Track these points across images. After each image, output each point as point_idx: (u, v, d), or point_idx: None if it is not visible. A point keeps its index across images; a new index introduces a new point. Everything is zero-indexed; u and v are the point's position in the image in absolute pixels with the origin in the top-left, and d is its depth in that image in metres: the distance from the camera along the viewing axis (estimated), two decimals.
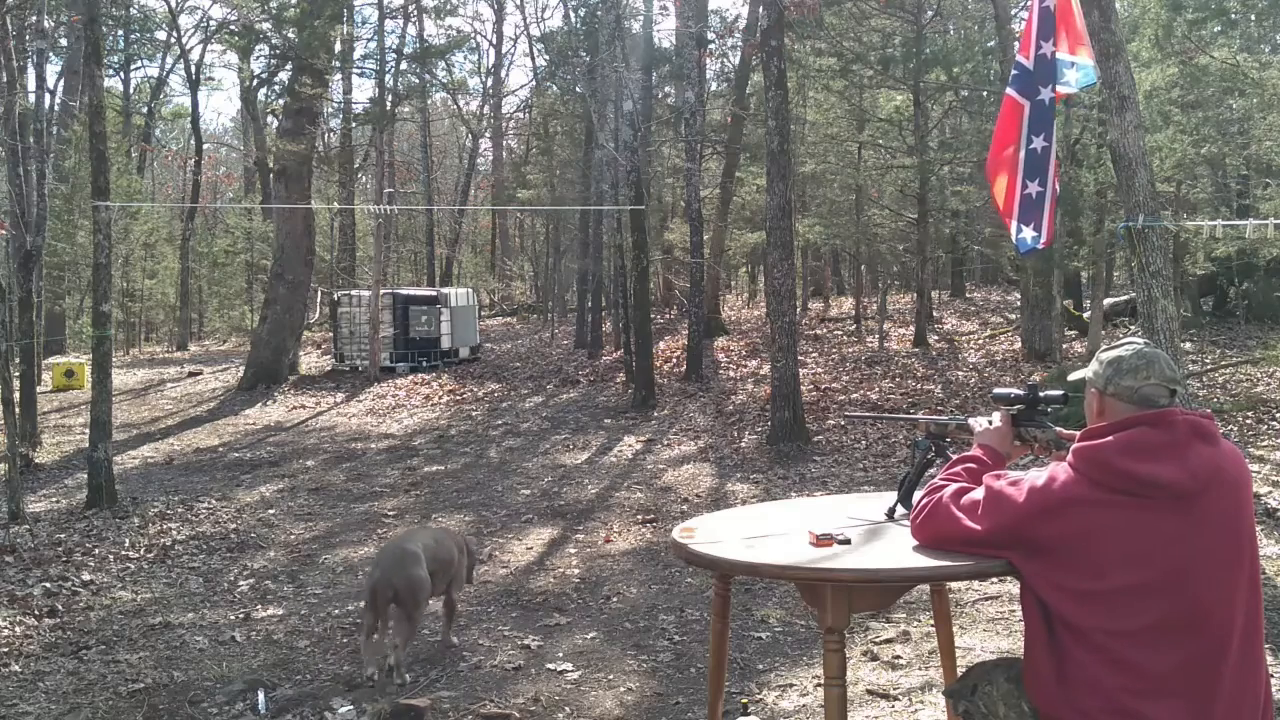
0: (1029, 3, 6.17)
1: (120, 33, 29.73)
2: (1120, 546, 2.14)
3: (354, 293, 19.03)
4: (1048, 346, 13.21)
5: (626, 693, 4.23)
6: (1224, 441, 2.25)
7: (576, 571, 6.18)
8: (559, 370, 16.68)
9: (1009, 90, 5.48)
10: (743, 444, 10.24)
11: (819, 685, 4.05)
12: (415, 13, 23.62)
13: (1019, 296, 15.98)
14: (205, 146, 34.44)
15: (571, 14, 20.46)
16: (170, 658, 4.87)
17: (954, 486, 2.45)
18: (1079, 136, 13.05)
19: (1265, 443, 8.32)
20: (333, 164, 23.28)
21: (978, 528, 2.30)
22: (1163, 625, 2.12)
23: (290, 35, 18.36)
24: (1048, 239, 5.46)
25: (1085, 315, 14.99)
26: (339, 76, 20.82)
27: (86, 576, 6.26)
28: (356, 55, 21.50)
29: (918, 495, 2.59)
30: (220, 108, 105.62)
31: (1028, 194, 5.34)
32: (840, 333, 17.69)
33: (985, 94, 15.46)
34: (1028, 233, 5.39)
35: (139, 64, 33.22)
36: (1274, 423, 8.94)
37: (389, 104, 19.70)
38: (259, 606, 5.72)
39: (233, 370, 19.10)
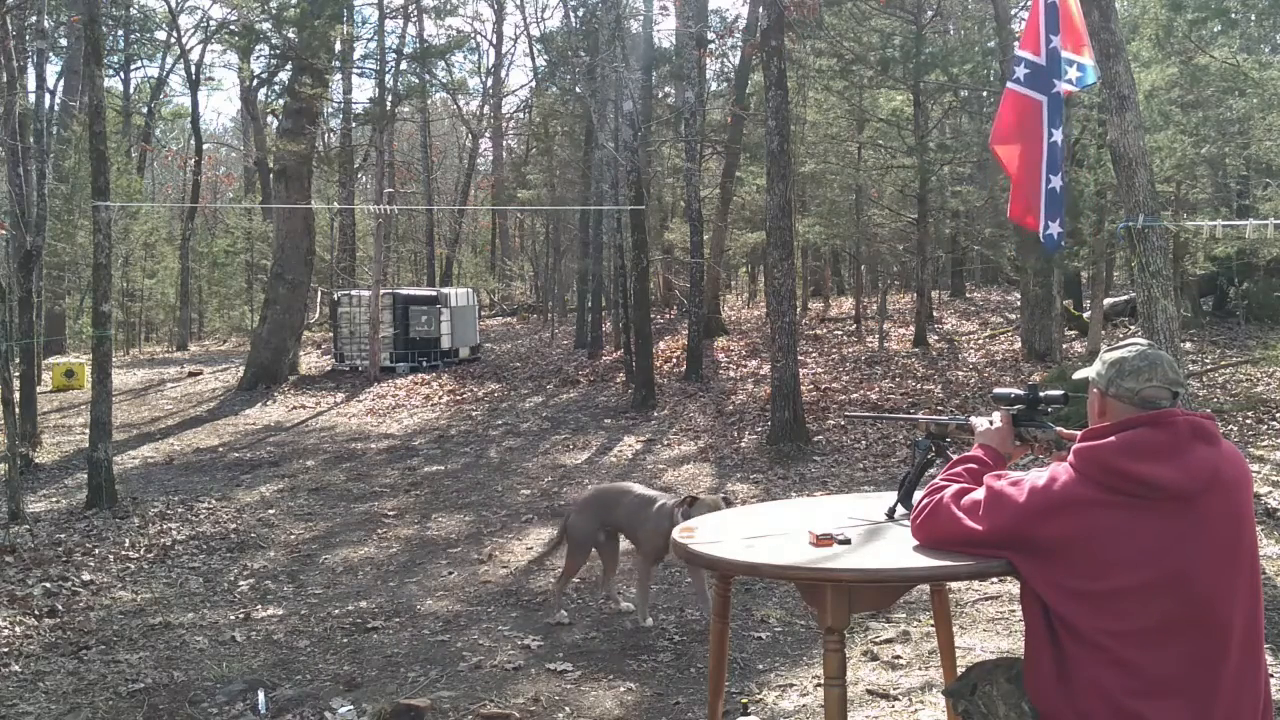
0: (1030, 1, 6.16)
1: (120, 33, 29.73)
2: (1121, 547, 2.14)
3: (354, 293, 19.02)
4: (1048, 346, 13.21)
5: (626, 693, 4.23)
6: (1224, 442, 2.26)
7: None
8: (559, 370, 16.68)
9: (1015, 86, 5.45)
10: (743, 444, 10.24)
11: (819, 685, 4.05)
12: (415, 13, 23.63)
13: (1019, 296, 15.98)
14: (205, 146, 34.43)
15: (571, 14, 20.48)
16: (170, 658, 4.87)
17: (955, 487, 2.45)
18: (1079, 136, 13.05)
19: (1265, 443, 8.32)
20: (333, 164, 23.26)
21: (979, 528, 2.30)
22: (1163, 626, 2.12)
23: (290, 35, 18.35)
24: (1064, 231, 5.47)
25: (1085, 315, 14.99)
26: (339, 76, 20.82)
27: (86, 576, 6.26)
28: (356, 55, 21.49)
29: (918, 495, 2.59)
30: (220, 108, 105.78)
31: (1051, 189, 5.31)
32: (840, 333, 17.69)
33: (985, 94, 15.48)
34: (1054, 228, 5.36)
35: (139, 64, 33.25)
36: (1274, 423, 8.94)
37: (389, 104, 19.69)
38: (259, 606, 5.72)
39: (233, 370, 19.10)
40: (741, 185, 19.75)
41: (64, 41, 23.64)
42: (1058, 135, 5.32)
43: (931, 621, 3.97)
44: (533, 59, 35.30)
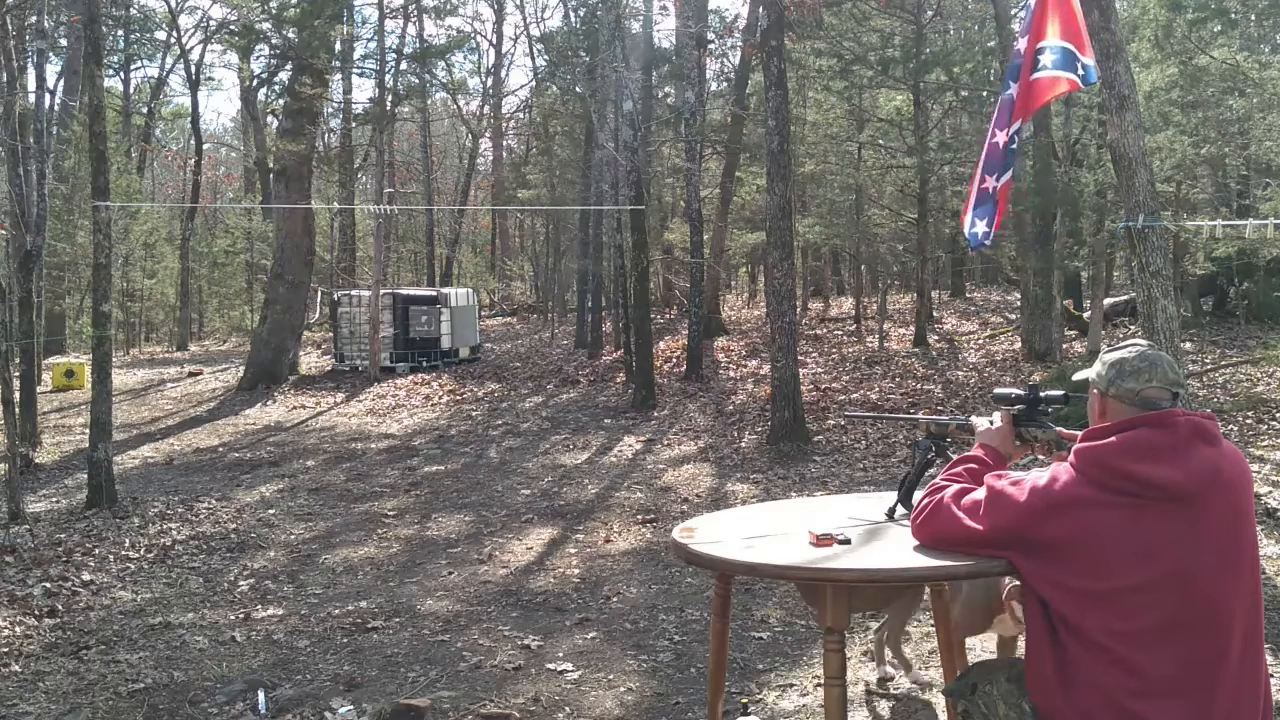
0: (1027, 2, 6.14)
1: (120, 33, 29.74)
2: (1121, 547, 2.14)
3: (354, 293, 19.03)
4: (1048, 346, 13.21)
5: (626, 693, 4.23)
6: (1225, 442, 2.26)
7: (576, 571, 6.18)
8: (559, 370, 16.68)
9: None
10: (743, 444, 10.24)
11: (819, 685, 4.05)
12: (415, 13, 23.64)
13: (1019, 296, 15.98)
14: (205, 146, 34.44)
15: (571, 14, 20.48)
16: (170, 658, 4.87)
17: (955, 487, 2.45)
18: (1079, 136, 13.05)
19: (1265, 443, 8.31)
20: (333, 164, 23.28)
21: (979, 528, 2.31)
22: (1163, 626, 2.12)
23: (290, 35, 18.36)
24: (991, 231, 5.41)
25: (1085, 315, 14.99)
26: (339, 76, 20.84)
27: (86, 576, 6.26)
28: (356, 55, 21.51)
29: (918, 495, 2.59)
30: (220, 108, 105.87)
31: (984, 188, 5.29)
32: (840, 333, 17.69)
33: (985, 94, 15.47)
34: (980, 226, 5.33)
35: (139, 64, 33.26)
36: (1274, 423, 8.94)
37: (389, 104, 19.70)
38: (259, 606, 5.71)
39: (233, 370, 19.10)
40: (741, 185, 19.75)
41: (64, 41, 23.63)
42: (1000, 137, 5.27)
43: (931, 621, 3.97)
44: (533, 59, 35.33)
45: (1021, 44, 5.31)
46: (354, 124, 22.04)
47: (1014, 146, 5.30)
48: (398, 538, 7.30)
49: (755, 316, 21.11)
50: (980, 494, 2.35)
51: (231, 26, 24.48)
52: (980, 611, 3.52)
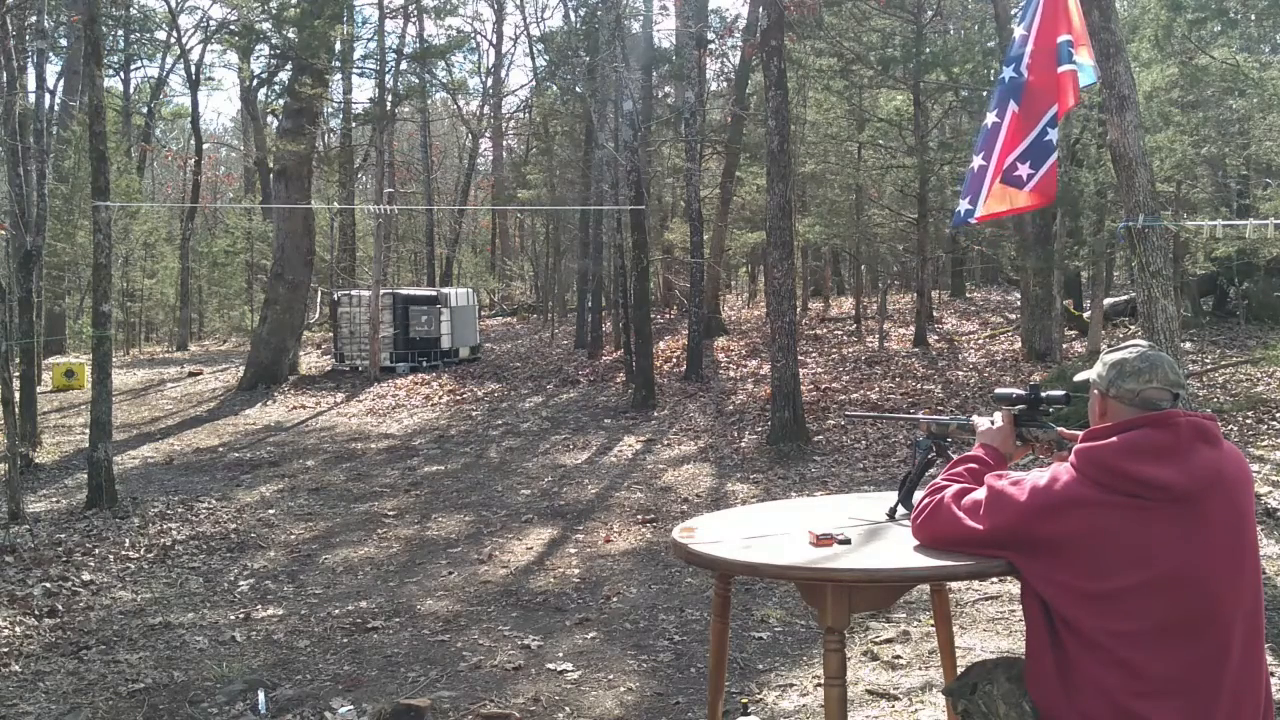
0: None
1: (120, 33, 29.73)
2: (1122, 547, 2.14)
3: (354, 293, 19.02)
4: (1048, 346, 13.21)
5: (626, 693, 4.23)
6: (1226, 443, 2.25)
7: (576, 571, 6.18)
8: (559, 370, 16.67)
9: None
10: (743, 444, 10.24)
11: (819, 685, 4.05)
12: (415, 13, 23.64)
13: (1019, 296, 15.98)
14: (205, 146, 34.41)
15: (571, 14, 20.49)
16: (170, 658, 4.87)
17: (956, 487, 2.45)
18: (1079, 136, 13.05)
19: (1265, 443, 8.31)
20: (333, 164, 23.28)
21: (979, 527, 2.30)
22: (1164, 626, 2.12)
23: (290, 35, 18.36)
24: (981, 216, 5.44)
25: (1085, 315, 14.99)
26: (339, 76, 20.85)
27: (86, 576, 6.26)
28: (356, 55, 21.52)
29: (919, 495, 2.59)
30: (220, 108, 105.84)
31: (971, 167, 5.37)
32: (840, 333, 17.69)
33: (985, 94, 15.48)
34: (963, 205, 5.41)
35: (139, 64, 33.22)
36: (1274, 423, 8.94)
37: (389, 104, 19.70)
38: (259, 606, 5.71)
39: (233, 370, 19.09)
40: (741, 185, 19.76)
41: (64, 41, 23.65)
42: (991, 118, 5.36)
43: (931, 621, 3.97)
44: (533, 59, 35.32)
45: (1018, 31, 5.34)
46: (354, 124, 22.05)
47: (1049, 139, 5.30)
48: (398, 538, 7.30)
49: (755, 316, 21.11)
50: (980, 494, 2.35)
51: (231, 26, 24.49)
52: None
